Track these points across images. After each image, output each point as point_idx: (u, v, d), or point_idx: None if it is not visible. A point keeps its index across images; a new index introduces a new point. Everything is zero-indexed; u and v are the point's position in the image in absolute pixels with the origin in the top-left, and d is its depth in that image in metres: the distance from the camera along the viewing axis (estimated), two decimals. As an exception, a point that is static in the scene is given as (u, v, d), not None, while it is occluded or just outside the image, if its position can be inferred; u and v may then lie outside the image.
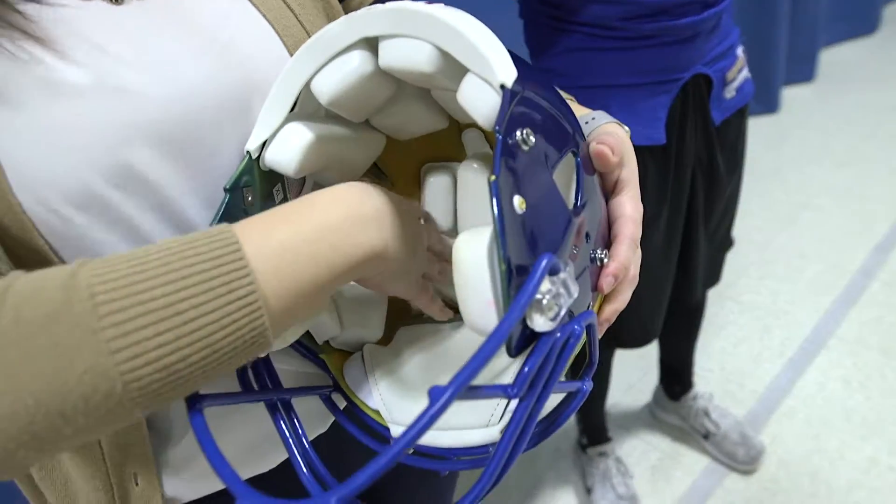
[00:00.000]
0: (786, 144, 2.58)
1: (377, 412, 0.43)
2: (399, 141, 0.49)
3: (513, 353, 0.29)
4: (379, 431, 0.43)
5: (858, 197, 2.18)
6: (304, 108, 0.40)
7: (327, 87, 0.37)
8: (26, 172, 0.32)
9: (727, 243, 1.13)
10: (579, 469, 1.40)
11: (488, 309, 0.30)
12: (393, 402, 0.43)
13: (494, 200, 0.27)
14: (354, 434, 0.44)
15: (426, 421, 0.23)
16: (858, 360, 1.55)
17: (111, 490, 0.41)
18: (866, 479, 1.28)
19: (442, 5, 0.35)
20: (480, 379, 0.42)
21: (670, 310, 1.14)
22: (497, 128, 0.30)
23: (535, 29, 0.93)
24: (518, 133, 0.31)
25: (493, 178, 0.28)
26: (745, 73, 0.93)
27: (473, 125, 0.54)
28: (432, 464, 0.41)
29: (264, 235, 0.30)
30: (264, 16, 0.42)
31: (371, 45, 0.37)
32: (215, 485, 0.46)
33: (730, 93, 0.91)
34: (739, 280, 1.86)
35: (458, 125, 0.51)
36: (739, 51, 0.92)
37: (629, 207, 0.40)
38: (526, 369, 0.29)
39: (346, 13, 0.38)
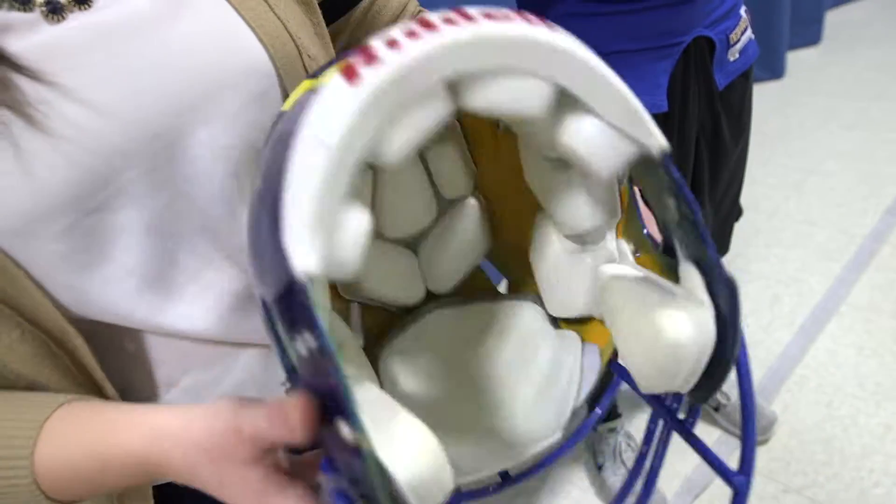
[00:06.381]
0: (791, 109, 2.53)
1: None
2: None
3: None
4: None
5: (867, 160, 2.13)
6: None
7: (399, 144, 0.27)
8: None
9: (735, 213, 1.10)
10: (589, 447, 1.39)
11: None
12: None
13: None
14: None
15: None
16: (871, 326, 1.52)
17: None
18: (881, 445, 1.26)
19: (561, 33, 0.28)
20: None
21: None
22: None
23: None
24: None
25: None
26: (749, 33, 0.89)
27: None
28: None
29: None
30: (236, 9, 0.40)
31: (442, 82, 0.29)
32: None
33: (733, 55, 0.87)
34: (747, 249, 1.84)
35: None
36: (743, 10, 0.88)
37: None
38: None
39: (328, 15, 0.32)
